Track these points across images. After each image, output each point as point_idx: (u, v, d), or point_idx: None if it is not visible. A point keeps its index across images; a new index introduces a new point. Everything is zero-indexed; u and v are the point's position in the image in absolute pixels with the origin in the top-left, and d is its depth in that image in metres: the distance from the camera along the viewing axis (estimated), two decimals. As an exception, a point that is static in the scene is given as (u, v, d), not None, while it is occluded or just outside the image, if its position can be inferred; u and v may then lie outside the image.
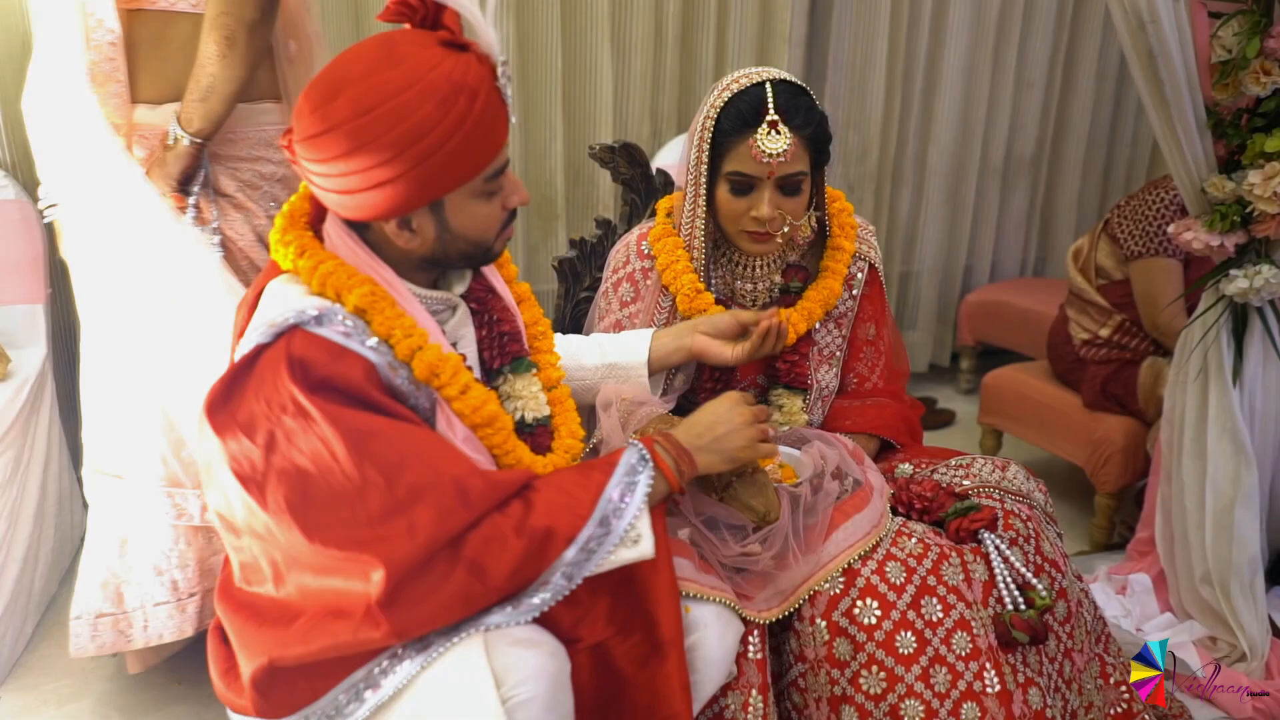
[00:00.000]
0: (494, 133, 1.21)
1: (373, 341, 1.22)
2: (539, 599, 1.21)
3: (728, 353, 1.64)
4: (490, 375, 1.43)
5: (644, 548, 1.24)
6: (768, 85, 1.57)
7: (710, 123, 1.60)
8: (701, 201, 1.65)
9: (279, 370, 1.16)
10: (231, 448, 1.17)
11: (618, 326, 1.75)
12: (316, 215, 1.32)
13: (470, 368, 1.34)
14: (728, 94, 1.59)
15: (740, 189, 1.61)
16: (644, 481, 1.26)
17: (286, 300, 1.23)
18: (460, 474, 1.19)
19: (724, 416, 1.36)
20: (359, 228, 1.27)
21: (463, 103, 1.15)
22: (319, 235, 1.30)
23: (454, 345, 1.36)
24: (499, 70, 1.20)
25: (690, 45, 3.29)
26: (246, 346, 1.21)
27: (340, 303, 1.23)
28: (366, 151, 1.14)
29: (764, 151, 1.55)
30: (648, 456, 1.29)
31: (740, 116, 1.57)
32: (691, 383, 1.75)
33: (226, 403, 1.19)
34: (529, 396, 1.43)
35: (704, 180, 1.64)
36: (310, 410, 1.14)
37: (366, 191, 1.18)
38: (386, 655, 1.21)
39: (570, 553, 1.20)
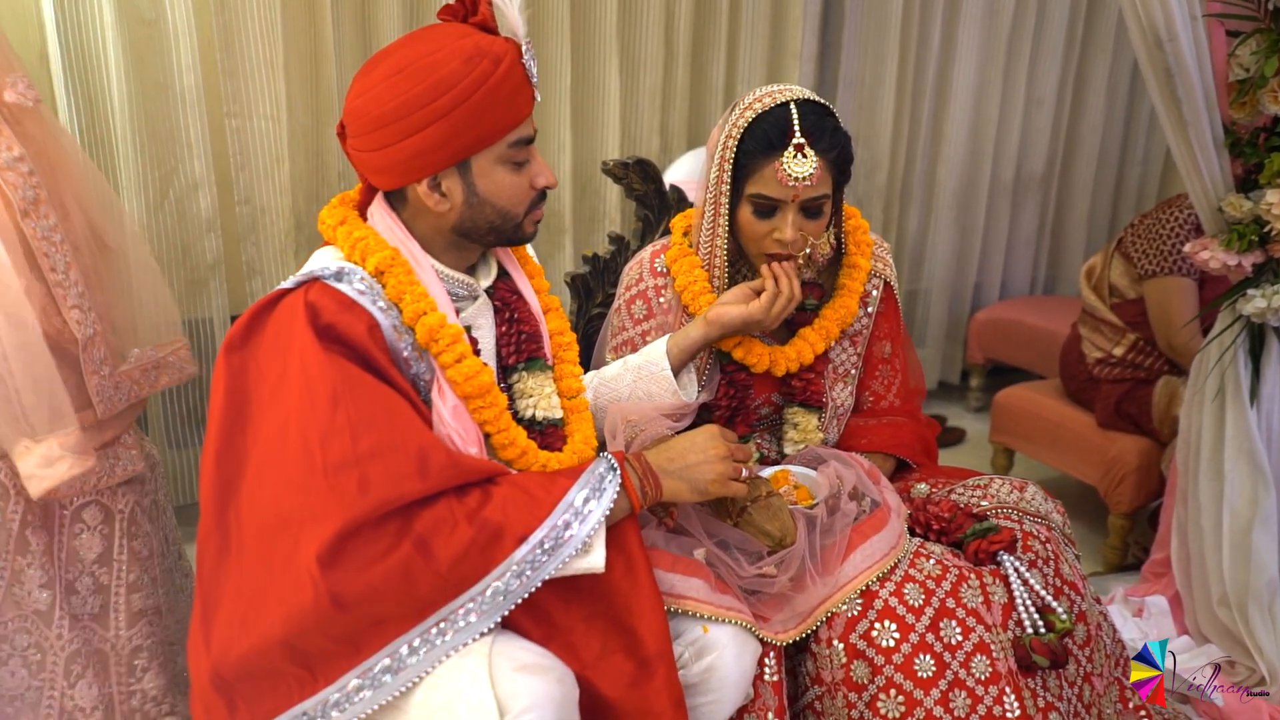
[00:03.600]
0: (517, 98, 1.30)
1: (383, 303, 1.30)
2: (496, 602, 1.18)
3: (745, 307, 1.58)
4: (506, 371, 1.45)
5: (594, 559, 1.23)
6: (792, 106, 1.54)
7: (733, 143, 1.56)
8: (722, 222, 1.63)
9: (296, 313, 1.24)
10: (237, 384, 1.23)
11: (630, 344, 1.73)
12: (364, 202, 1.43)
13: (480, 352, 1.37)
14: (751, 113, 1.55)
15: (763, 211, 1.58)
16: (611, 490, 1.26)
17: (319, 259, 1.35)
18: (425, 444, 1.20)
19: (699, 446, 1.36)
20: (397, 206, 1.37)
21: (486, 64, 1.26)
22: (364, 218, 1.41)
23: (468, 330, 1.38)
24: (524, 48, 1.30)
25: (701, 61, 3.29)
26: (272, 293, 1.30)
27: (363, 265, 1.32)
28: (399, 104, 1.25)
29: (790, 175, 1.52)
30: (616, 467, 1.29)
31: (765, 138, 1.54)
32: (712, 398, 1.73)
33: (246, 342, 1.26)
34: (541, 395, 1.46)
35: (725, 201, 1.61)
36: (308, 350, 1.20)
37: (399, 145, 1.27)
38: (356, 674, 1.16)
39: (522, 551, 1.19)
